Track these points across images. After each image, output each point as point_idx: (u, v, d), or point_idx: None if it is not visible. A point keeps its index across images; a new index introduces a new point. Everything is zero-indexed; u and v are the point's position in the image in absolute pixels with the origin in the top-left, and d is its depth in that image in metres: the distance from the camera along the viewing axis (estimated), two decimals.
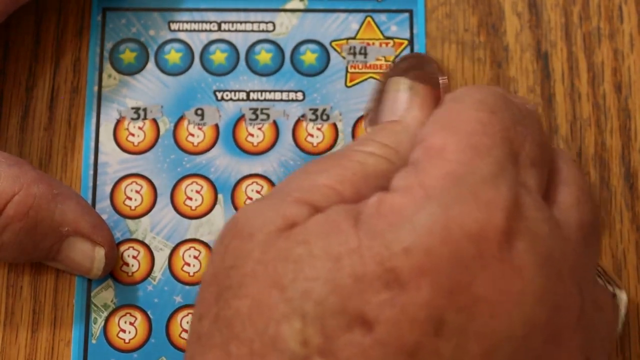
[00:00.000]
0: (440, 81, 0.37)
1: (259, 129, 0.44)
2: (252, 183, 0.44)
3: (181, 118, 0.44)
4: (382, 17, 0.45)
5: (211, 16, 0.46)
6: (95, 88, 0.45)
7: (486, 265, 0.29)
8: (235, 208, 0.43)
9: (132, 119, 0.44)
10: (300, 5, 0.46)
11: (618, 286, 0.37)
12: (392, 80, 0.37)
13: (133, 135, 0.44)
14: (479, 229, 0.29)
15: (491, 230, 0.29)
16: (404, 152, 0.34)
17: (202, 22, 0.45)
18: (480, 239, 0.29)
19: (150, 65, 0.45)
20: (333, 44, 0.45)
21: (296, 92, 0.45)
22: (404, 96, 0.36)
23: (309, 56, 0.45)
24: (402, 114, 0.36)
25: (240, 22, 0.45)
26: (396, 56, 0.45)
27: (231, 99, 0.45)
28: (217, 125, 0.44)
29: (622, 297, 0.36)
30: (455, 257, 0.29)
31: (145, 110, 0.44)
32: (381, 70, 0.45)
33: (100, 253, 0.41)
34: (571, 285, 0.31)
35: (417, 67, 0.38)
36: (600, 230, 0.35)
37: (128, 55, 0.45)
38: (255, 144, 0.44)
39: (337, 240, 0.30)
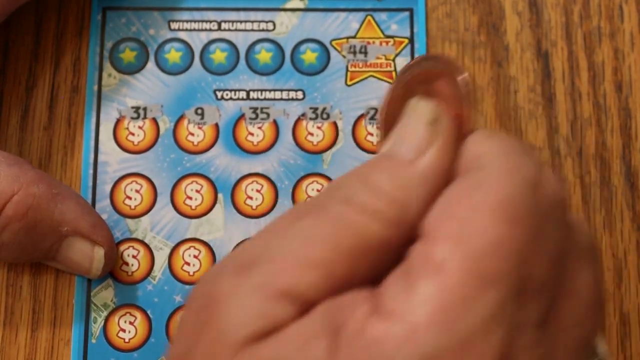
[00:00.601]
0: (464, 106, 0.32)
1: (259, 128, 0.44)
2: (252, 182, 0.44)
3: (181, 117, 0.44)
4: (383, 16, 0.45)
5: (211, 15, 0.45)
6: (95, 87, 0.45)
7: None
8: (235, 207, 0.43)
9: (132, 118, 0.44)
10: (301, 5, 0.45)
11: None
12: (416, 104, 0.32)
13: (133, 134, 0.44)
14: None
15: None
16: (413, 211, 0.30)
17: (202, 21, 0.45)
18: None
19: (150, 64, 0.45)
20: (333, 43, 0.45)
21: (296, 91, 0.45)
22: (424, 130, 0.32)
23: (309, 55, 0.45)
24: (418, 153, 0.31)
25: (241, 22, 0.45)
26: (396, 55, 0.45)
27: (231, 98, 0.45)
28: (217, 125, 0.44)
29: None
30: None
31: (145, 109, 0.44)
32: (381, 69, 0.45)
33: (99, 253, 0.41)
34: None
35: (437, 76, 0.33)
36: (600, 326, 0.33)
37: (128, 55, 0.45)
38: (255, 143, 0.44)
39: None
